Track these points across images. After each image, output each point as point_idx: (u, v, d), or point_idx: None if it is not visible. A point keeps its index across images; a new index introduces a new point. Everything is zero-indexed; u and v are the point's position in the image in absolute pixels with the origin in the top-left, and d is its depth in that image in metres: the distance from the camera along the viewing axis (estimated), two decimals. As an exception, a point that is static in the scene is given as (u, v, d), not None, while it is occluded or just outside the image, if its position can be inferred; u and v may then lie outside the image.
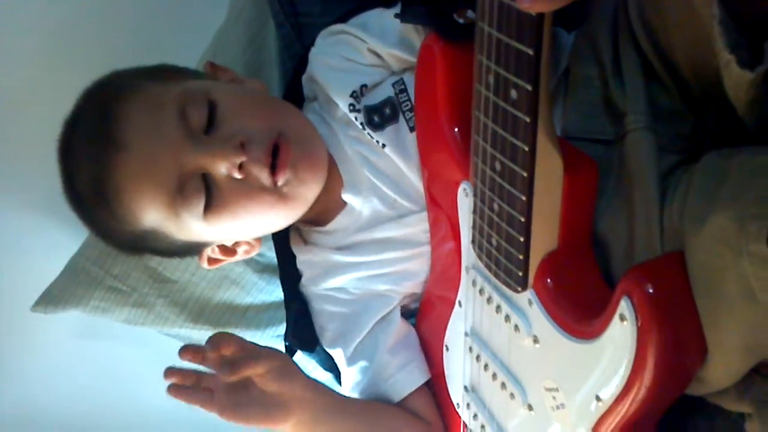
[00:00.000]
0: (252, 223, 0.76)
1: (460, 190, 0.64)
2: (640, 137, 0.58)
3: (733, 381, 0.54)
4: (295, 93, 0.86)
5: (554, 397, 0.59)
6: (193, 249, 0.80)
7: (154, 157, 0.70)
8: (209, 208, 0.72)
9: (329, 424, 0.74)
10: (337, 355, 0.83)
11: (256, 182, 0.71)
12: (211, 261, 0.83)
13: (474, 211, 0.60)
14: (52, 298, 0.95)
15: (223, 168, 0.70)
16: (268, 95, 0.84)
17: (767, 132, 0.53)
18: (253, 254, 0.84)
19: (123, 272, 0.93)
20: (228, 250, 0.82)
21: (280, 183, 0.72)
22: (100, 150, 0.70)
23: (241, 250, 0.83)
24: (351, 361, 0.81)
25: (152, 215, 0.72)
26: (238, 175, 0.70)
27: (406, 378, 0.80)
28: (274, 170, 0.71)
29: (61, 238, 0.92)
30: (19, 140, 1.03)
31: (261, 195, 0.72)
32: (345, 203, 0.79)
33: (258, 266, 0.94)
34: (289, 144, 0.72)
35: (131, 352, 1.18)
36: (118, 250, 0.83)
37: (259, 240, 0.82)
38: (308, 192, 0.75)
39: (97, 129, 0.71)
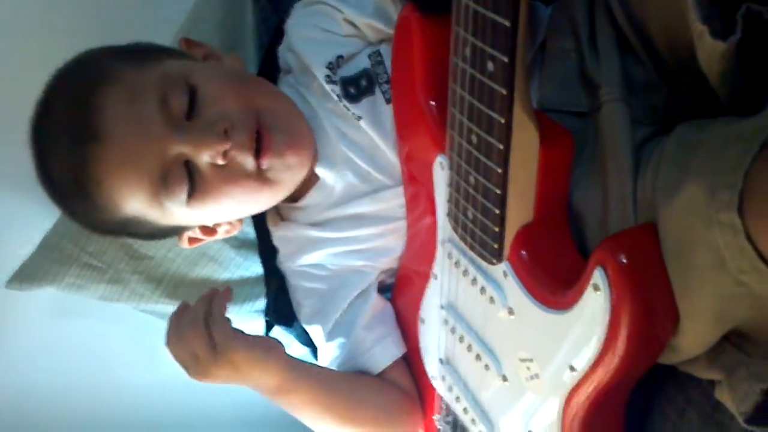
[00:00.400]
0: (236, 207, 0.76)
1: (436, 164, 0.64)
2: (614, 109, 0.59)
3: (704, 349, 0.55)
4: (270, 65, 0.85)
5: (529, 368, 0.60)
6: (174, 231, 0.80)
7: (136, 147, 0.68)
8: (193, 194, 0.71)
9: (302, 385, 0.75)
10: (315, 331, 0.84)
11: (240, 168, 0.71)
12: (192, 241, 0.82)
13: (450, 184, 0.61)
14: (26, 275, 0.94)
15: (207, 156, 0.69)
16: (248, 75, 0.82)
17: (739, 103, 0.53)
18: (234, 233, 0.84)
19: (98, 249, 0.92)
20: (209, 230, 0.82)
21: (264, 167, 0.71)
22: (78, 141, 0.69)
23: (222, 230, 0.82)
24: (329, 336, 0.82)
25: (134, 204, 0.71)
26: (221, 162, 0.70)
27: (383, 352, 0.81)
28: (258, 155, 0.71)
29: (35, 215, 0.90)
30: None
31: (245, 180, 0.72)
32: (318, 178, 0.79)
33: (236, 242, 0.94)
34: (273, 128, 0.72)
35: (107, 329, 1.17)
36: (94, 233, 0.82)
37: (241, 220, 0.82)
38: (293, 175, 0.75)
39: (74, 119, 0.69)
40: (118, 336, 1.19)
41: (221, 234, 0.82)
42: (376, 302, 0.82)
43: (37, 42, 0.85)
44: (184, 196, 0.71)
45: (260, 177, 0.72)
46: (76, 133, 0.69)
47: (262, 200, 0.76)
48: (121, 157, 0.68)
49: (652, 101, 0.61)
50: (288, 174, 0.74)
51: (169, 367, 1.19)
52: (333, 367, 0.82)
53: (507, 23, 0.46)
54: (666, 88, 0.61)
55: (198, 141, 0.69)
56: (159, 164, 0.69)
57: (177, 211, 0.73)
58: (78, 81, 0.72)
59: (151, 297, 0.95)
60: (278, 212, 0.85)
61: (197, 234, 0.81)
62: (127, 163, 0.69)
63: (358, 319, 0.80)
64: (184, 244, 0.82)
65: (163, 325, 1.08)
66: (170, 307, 0.98)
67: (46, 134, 0.72)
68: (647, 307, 0.51)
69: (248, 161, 0.71)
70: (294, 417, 0.79)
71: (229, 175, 0.71)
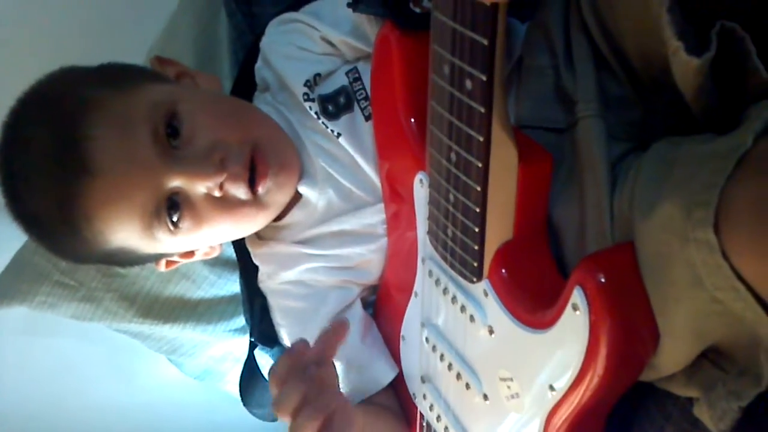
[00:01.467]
0: (227, 234, 0.76)
1: (416, 181, 0.64)
2: (590, 124, 0.59)
3: (682, 366, 0.55)
4: (245, 83, 0.85)
5: (509, 387, 0.60)
6: (157, 258, 0.79)
7: (129, 181, 0.67)
8: (186, 225, 0.71)
9: None
10: None
11: (234, 197, 0.71)
12: (169, 264, 0.81)
13: (430, 202, 0.60)
14: (-4, 294, 0.92)
15: (202, 188, 0.69)
16: (234, 100, 0.81)
17: (714, 120, 0.54)
18: (213, 255, 0.83)
19: (70, 266, 0.90)
20: (187, 253, 0.81)
21: (260, 193, 0.71)
22: (66, 175, 0.66)
23: (200, 252, 0.81)
24: None
25: (123, 236, 0.70)
26: (218, 194, 0.69)
27: (381, 369, 0.79)
28: (252, 183, 0.71)
29: (5, 231, 0.89)
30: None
31: (240, 209, 0.71)
32: (300, 196, 0.78)
33: (210, 260, 0.93)
34: (266, 155, 0.71)
35: (81, 347, 1.16)
36: (72, 263, 0.80)
37: (221, 243, 0.81)
38: (285, 196, 0.75)
39: (60, 152, 0.66)
40: (91, 355, 1.17)
41: (199, 256, 0.81)
42: (365, 317, 0.81)
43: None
44: (177, 226, 0.70)
45: (255, 203, 0.72)
46: (63, 166, 0.66)
47: (256, 224, 0.76)
48: (114, 192, 0.67)
49: (628, 117, 0.61)
50: (280, 195, 0.74)
51: (142, 387, 1.17)
52: None
53: (485, 41, 0.46)
54: (642, 105, 0.61)
55: (193, 172, 0.68)
56: (153, 197, 0.68)
57: (167, 241, 0.72)
58: (58, 110, 0.68)
59: (125, 316, 0.94)
60: (256, 233, 0.84)
61: (175, 258, 0.80)
62: (121, 198, 0.67)
63: (352, 335, 0.78)
64: (161, 268, 0.81)
65: (137, 345, 1.07)
66: (144, 327, 0.97)
67: (23, 166, 0.69)
68: (626, 326, 0.51)
69: (242, 191, 0.71)
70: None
71: (224, 205, 0.71)
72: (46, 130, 0.68)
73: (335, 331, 0.63)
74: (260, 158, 0.71)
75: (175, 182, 0.68)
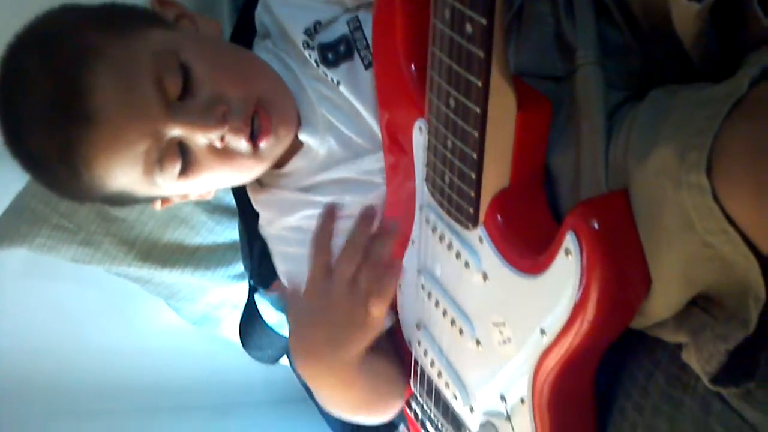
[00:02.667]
0: (224, 182, 0.77)
1: (415, 128, 0.64)
2: (589, 72, 0.59)
3: (673, 312, 0.56)
4: (245, 29, 0.84)
5: (501, 332, 0.61)
6: (152, 200, 0.80)
7: (130, 130, 0.67)
8: (185, 172, 0.71)
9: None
10: None
11: (235, 149, 0.71)
12: (164, 202, 0.82)
13: (428, 149, 0.61)
14: (-3, 236, 0.93)
15: (204, 139, 0.70)
16: (237, 51, 0.81)
17: (713, 68, 0.54)
18: (208, 197, 0.83)
19: (70, 210, 0.91)
20: (183, 194, 0.81)
21: (262, 147, 0.72)
22: (67, 121, 0.66)
23: (195, 193, 0.82)
24: None
25: (123, 182, 0.71)
26: (219, 145, 0.70)
27: None
28: (253, 137, 0.71)
29: (6, 175, 0.89)
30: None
31: (239, 160, 0.72)
32: (302, 144, 0.78)
33: (208, 206, 0.93)
34: (270, 109, 0.72)
35: (80, 292, 1.17)
36: (69, 201, 0.81)
37: None
38: (283, 147, 0.76)
39: (61, 97, 0.66)
40: (91, 299, 1.19)
41: (194, 197, 0.82)
42: None
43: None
44: (176, 173, 0.71)
45: (254, 155, 0.73)
46: (64, 112, 0.66)
47: (253, 174, 0.77)
48: (116, 140, 0.67)
49: (627, 65, 0.61)
50: (280, 148, 0.75)
51: (140, 331, 1.19)
52: None
53: (486, -16, 0.46)
54: (641, 53, 0.61)
55: (195, 124, 0.68)
56: (155, 145, 0.69)
57: (167, 187, 0.73)
58: (60, 54, 0.68)
59: (124, 259, 0.95)
60: (258, 180, 0.85)
61: (171, 198, 0.81)
62: (123, 146, 0.68)
63: None
64: (157, 207, 0.82)
65: (137, 289, 1.08)
66: (143, 271, 0.98)
67: (22, 107, 0.69)
68: (618, 272, 0.52)
69: (243, 144, 0.71)
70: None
71: (224, 156, 0.71)
72: (47, 75, 0.67)
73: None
74: (263, 113, 0.71)
75: (177, 132, 0.69)
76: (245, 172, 0.75)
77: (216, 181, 0.75)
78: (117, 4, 0.76)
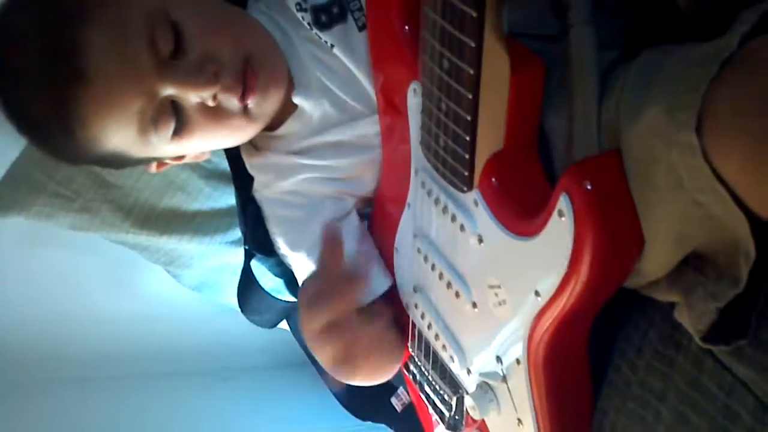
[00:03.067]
0: (220, 142, 0.76)
1: (409, 90, 0.64)
2: (582, 31, 0.58)
3: (665, 272, 0.56)
4: None
5: (497, 294, 0.61)
6: (147, 162, 0.80)
7: (125, 89, 0.67)
8: (178, 132, 0.71)
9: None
10: (296, 259, 0.83)
11: (225, 108, 0.71)
12: (160, 165, 0.82)
13: (423, 111, 0.60)
14: (-6, 204, 0.93)
15: (196, 98, 0.70)
16: (228, 9, 0.79)
17: (706, 26, 0.53)
18: (203, 159, 0.83)
19: (66, 177, 0.91)
20: (178, 156, 0.81)
21: (251, 105, 0.72)
22: (60, 79, 0.66)
23: (190, 156, 0.82)
24: (315, 261, 0.79)
25: (117, 141, 0.71)
26: (211, 103, 0.70)
27: (377, 279, 0.80)
28: (243, 94, 0.71)
29: (2, 142, 0.89)
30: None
31: (230, 119, 0.72)
32: (295, 106, 0.78)
33: (204, 172, 0.93)
34: (258, 68, 0.71)
35: (79, 259, 1.17)
36: (64, 163, 0.81)
37: None
38: (272, 106, 0.75)
39: (53, 55, 0.66)
40: (90, 267, 1.19)
41: (189, 159, 0.82)
42: (361, 228, 0.81)
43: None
44: (170, 132, 0.71)
45: (245, 114, 0.73)
46: (56, 69, 0.66)
47: (246, 134, 0.77)
48: (109, 99, 0.67)
49: (621, 25, 0.61)
50: (267, 105, 0.74)
51: (140, 298, 1.19)
52: None
53: (479, -57, 0.45)
54: (635, 11, 0.60)
55: (187, 83, 0.68)
56: (148, 104, 0.69)
57: (161, 147, 0.73)
58: (53, 11, 0.68)
59: (122, 227, 0.95)
60: (252, 143, 0.85)
61: (166, 160, 0.81)
62: (117, 105, 0.68)
63: (349, 239, 0.79)
64: (152, 169, 0.82)
65: (135, 257, 1.08)
66: (141, 238, 0.99)
67: (14, 65, 0.69)
68: (611, 233, 0.52)
69: (234, 102, 0.71)
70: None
71: (216, 114, 0.71)
72: (39, 33, 0.67)
73: (330, 244, 0.69)
74: (250, 71, 0.71)
75: (170, 90, 0.69)
76: (237, 133, 0.75)
77: (209, 141, 0.75)
78: None
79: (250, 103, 0.72)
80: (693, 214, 0.49)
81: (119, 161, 0.76)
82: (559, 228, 0.52)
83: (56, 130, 0.70)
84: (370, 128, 0.76)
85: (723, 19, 0.51)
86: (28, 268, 1.17)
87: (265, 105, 0.74)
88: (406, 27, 0.63)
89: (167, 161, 0.81)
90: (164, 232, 0.98)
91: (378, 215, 0.83)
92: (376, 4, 0.68)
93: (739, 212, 0.46)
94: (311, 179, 0.80)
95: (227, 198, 0.95)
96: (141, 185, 0.92)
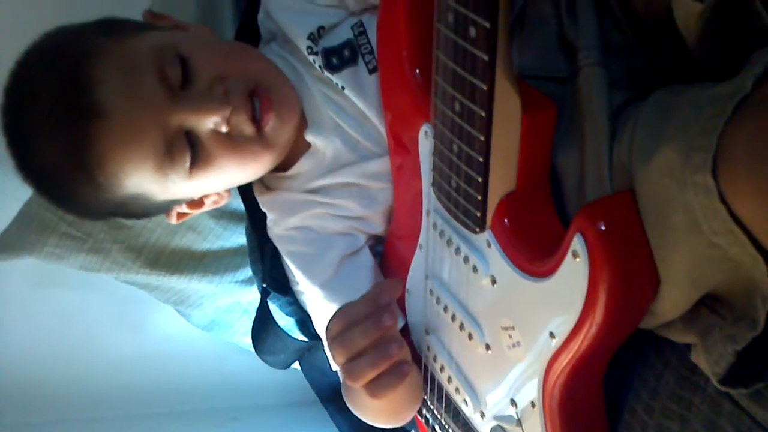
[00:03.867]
0: (235, 175, 0.76)
1: (421, 132, 0.64)
2: (591, 73, 0.59)
3: (681, 313, 0.56)
4: (249, 34, 0.84)
5: (510, 336, 0.61)
6: (167, 207, 0.80)
7: (138, 120, 0.68)
8: (195, 164, 0.71)
9: None
10: (313, 295, 0.82)
11: (240, 133, 0.71)
12: (180, 216, 0.82)
13: (434, 153, 0.61)
14: (5, 245, 0.93)
15: (210, 123, 0.70)
16: (233, 42, 0.82)
17: (716, 68, 0.53)
18: (221, 204, 0.83)
19: (77, 218, 0.91)
20: (196, 204, 0.81)
21: (267, 129, 0.72)
22: (76, 119, 0.67)
23: (209, 201, 0.82)
24: (329, 298, 0.80)
25: (137, 179, 0.71)
26: (225, 129, 0.70)
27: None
28: (255, 118, 0.71)
29: (13, 184, 0.90)
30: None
31: (246, 145, 0.72)
32: (308, 145, 0.78)
33: (215, 212, 0.93)
34: (268, 89, 0.72)
35: (89, 299, 1.17)
36: (85, 219, 0.81)
37: (229, 191, 0.82)
38: (288, 133, 0.75)
39: (68, 97, 0.67)
40: (100, 307, 1.19)
41: (208, 206, 0.82)
42: (375, 267, 0.81)
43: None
44: (186, 166, 0.71)
45: (261, 140, 0.73)
46: (72, 111, 0.67)
47: (262, 163, 0.76)
48: (125, 132, 0.68)
49: (630, 65, 0.61)
50: (286, 133, 0.75)
51: (150, 338, 1.19)
52: None
53: (489, -12, 0.46)
54: (645, 52, 0.61)
55: (200, 108, 0.69)
56: (163, 136, 0.69)
57: (179, 183, 0.73)
58: (61, 59, 0.69)
59: (132, 267, 0.95)
60: (265, 184, 0.85)
61: (184, 209, 0.81)
62: (132, 138, 0.68)
63: (361, 277, 0.79)
64: (173, 219, 0.82)
65: (145, 297, 1.08)
66: (152, 278, 0.99)
67: (30, 119, 0.70)
68: (626, 273, 0.52)
69: (247, 126, 0.71)
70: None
71: (231, 141, 0.71)
72: (52, 78, 0.68)
73: (389, 287, 0.65)
74: (263, 92, 0.71)
75: (183, 119, 0.69)
76: (254, 161, 0.74)
77: (227, 173, 0.75)
78: (112, 17, 0.77)
79: (267, 126, 0.72)
80: (709, 256, 0.48)
81: (139, 206, 0.76)
82: (574, 268, 0.52)
83: (74, 173, 0.70)
84: (381, 168, 0.76)
85: (732, 59, 0.52)
86: (37, 308, 1.17)
87: (281, 130, 0.74)
88: (417, 70, 0.64)
89: (186, 211, 0.81)
90: (174, 272, 0.98)
91: (390, 255, 0.83)
92: (386, 47, 0.68)
93: (757, 254, 0.46)
94: (321, 216, 0.80)
95: (237, 237, 0.95)
96: (152, 225, 0.93)
